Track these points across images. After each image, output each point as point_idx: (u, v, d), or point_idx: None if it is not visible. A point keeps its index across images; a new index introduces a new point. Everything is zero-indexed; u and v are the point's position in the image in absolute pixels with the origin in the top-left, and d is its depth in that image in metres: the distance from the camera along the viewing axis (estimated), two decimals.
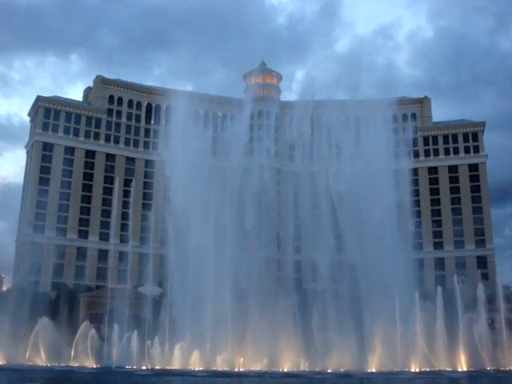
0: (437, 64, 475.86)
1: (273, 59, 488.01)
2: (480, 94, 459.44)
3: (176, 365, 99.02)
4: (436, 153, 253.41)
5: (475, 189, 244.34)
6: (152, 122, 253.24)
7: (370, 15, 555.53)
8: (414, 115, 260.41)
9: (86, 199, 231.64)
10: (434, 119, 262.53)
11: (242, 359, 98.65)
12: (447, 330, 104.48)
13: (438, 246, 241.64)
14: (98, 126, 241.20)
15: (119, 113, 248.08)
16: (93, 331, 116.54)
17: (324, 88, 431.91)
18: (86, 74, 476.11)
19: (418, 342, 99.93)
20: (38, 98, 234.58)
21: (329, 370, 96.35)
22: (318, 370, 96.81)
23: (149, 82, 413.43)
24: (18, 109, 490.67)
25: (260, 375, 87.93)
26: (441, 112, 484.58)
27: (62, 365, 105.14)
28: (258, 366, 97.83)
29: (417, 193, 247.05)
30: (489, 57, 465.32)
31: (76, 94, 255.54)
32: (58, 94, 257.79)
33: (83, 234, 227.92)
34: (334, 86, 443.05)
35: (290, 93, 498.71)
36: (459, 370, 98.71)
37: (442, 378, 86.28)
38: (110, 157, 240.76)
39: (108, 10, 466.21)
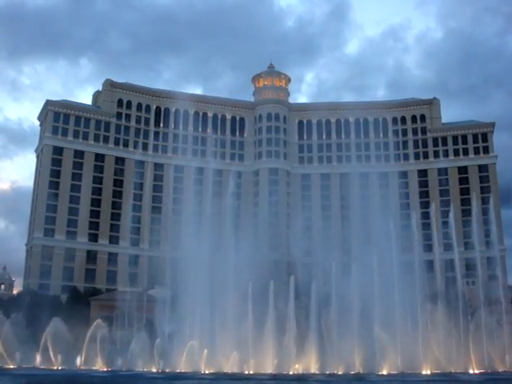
0: (446, 65, 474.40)
1: (282, 62, 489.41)
2: (490, 94, 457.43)
3: (186, 367, 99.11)
4: (445, 154, 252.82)
5: (485, 190, 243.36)
6: (161, 125, 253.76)
7: (379, 17, 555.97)
8: (423, 116, 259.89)
9: (96, 202, 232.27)
10: (445, 120, 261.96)
11: (252, 361, 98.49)
12: (458, 331, 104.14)
13: (448, 247, 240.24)
14: (107, 129, 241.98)
15: (128, 116, 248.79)
16: (103, 334, 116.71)
17: (333, 90, 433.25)
18: (96, 78, 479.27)
19: (428, 344, 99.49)
20: (48, 102, 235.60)
21: (339, 373, 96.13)
22: (328, 372, 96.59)
23: (158, 85, 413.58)
24: (28, 113, 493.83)
25: (273, 378, 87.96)
26: (451, 113, 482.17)
27: (73, 368, 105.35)
28: (268, 369, 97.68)
29: (426, 194, 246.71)
30: (499, 58, 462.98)
31: (86, 97, 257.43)
32: (68, 98, 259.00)
33: (93, 238, 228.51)
34: (343, 88, 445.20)
35: (300, 95, 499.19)
36: (470, 371, 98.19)
37: (458, 381, 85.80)
38: (120, 160, 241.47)
39: (117, 14, 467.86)
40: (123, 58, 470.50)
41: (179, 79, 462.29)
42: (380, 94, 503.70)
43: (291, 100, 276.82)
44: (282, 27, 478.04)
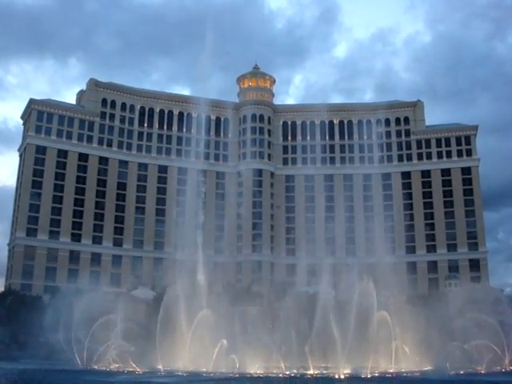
0: (434, 69, 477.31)
1: (271, 63, 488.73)
2: (477, 98, 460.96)
3: (163, 367, 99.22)
4: (429, 156, 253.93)
5: (468, 192, 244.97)
6: (145, 125, 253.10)
7: (368, 20, 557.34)
8: (406, 119, 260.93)
9: (79, 202, 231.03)
10: (431, 123, 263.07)
11: (233, 361, 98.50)
12: (439, 332, 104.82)
13: (431, 249, 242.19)
14: (90, 129, 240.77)
15: (112, 116, 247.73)
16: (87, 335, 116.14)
17: (321, 92, 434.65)
18: (84, 77, 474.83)
19: (408, 343, 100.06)
20: (31, 101, 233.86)
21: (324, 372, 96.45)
22: (310, 372, 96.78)
23: (147, 86, 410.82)
24: (13, 112, 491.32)
25: (253, 378, 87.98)
26: (438, 116, 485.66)
27: (55, 369, 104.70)
28: (251, 369, 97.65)
29: (410, 196, 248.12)
30: (486, 62, 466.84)
31: (73, 98, 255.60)
32: (56, 98, 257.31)
33: (76, 238, 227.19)
34: (331, 90, 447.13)
35: (288, 97, 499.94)
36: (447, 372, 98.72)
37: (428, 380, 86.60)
38: (103, 160, 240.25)
39: (107, 14, 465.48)
40: (112, 58, 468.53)
41: (168, 80, 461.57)
42: (368, 96, 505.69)
43: (279, 101, 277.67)
44: (272, 29, 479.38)
